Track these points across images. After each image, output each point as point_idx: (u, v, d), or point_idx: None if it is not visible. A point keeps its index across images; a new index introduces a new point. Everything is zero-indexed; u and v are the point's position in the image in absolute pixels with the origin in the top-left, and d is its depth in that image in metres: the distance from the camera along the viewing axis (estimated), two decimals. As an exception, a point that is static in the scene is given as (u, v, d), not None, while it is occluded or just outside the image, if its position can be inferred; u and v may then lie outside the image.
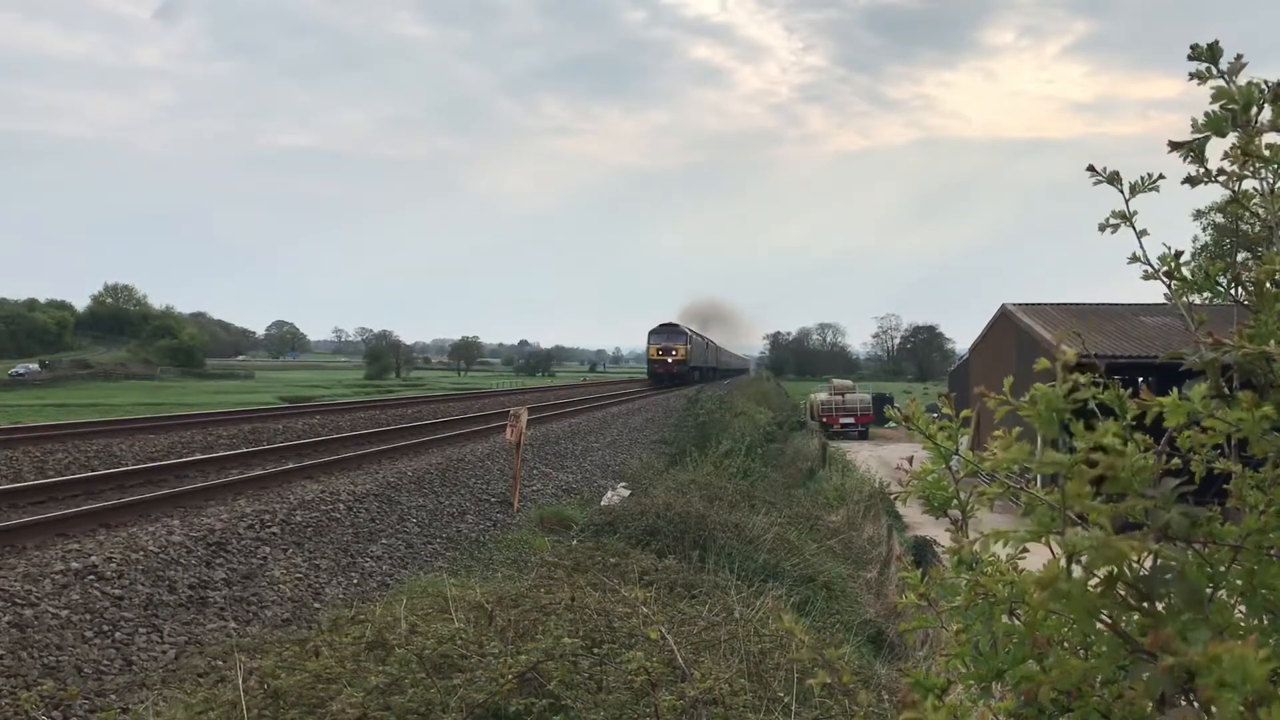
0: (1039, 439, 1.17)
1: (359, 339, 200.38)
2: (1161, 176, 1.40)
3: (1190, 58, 1.30)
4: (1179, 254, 1.42)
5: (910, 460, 1.43)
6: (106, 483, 11.75)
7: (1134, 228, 1.42)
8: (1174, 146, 1.34)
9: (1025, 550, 1.22)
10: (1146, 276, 1.43)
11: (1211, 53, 1.29)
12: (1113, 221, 1.43)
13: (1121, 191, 1.43)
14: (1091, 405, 1.28)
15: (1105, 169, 1.44)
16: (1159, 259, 1.43)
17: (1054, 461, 0.98)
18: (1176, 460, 1.20)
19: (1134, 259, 1.43)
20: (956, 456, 1.40)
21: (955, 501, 1.35)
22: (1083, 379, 1.10)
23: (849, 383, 61.90)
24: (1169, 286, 1.42)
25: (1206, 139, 1.30)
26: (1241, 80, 1.27)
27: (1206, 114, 1.29)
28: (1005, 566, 1.28)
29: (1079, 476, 0.97)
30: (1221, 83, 1.26)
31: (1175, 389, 1.17)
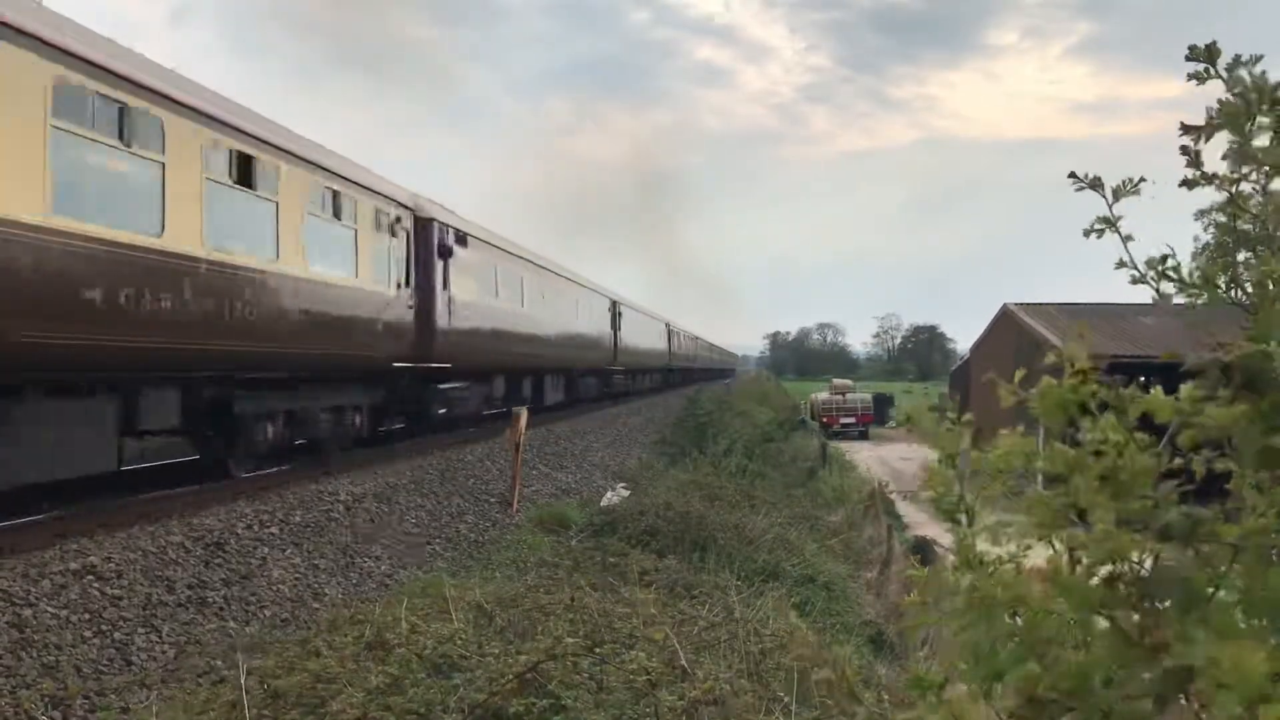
0: (1040, 436, 1.17)
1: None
2: (1142, 179, 1.41)
3: (1188, 58, 1.30)
4: (1165, 258, 1.43)
5: (924, 463, 1.44)
6: (105, 482, 11.72)
7: (1119, 232, 1.42)
8: (1185, 129, 1.34)
9: (1029, 548, 1.22)
10: (1134, 281, 1.43)
11: (1209, 53, 1.29)
12: (1097, 227, 1.43)
13: (1104, 197, 1.43)
14: (1093, 406, 1.28)
15: (1087, 174, 1.44)
16: (1145, 263, 1.43)
17: (1060, 457, 0.99)
18: (1178, 460, 1.20)
19: (1120, 264, 1.43)
20: (964, 455, 1.40)
21: (962, 503, 1.35)
22: (1090, 374, 1.11)
23: (849, 383, 61.85)
24: (1157, 291, 1.42)
25: (1220, 125, 1.30)
26: (1256, 73, 1.28)
27: (1220, 102, 1.29)
28: (1007, 567, 1.28)
29: (1085, 472, 0.97)
30: (1241, 73, 1.26)
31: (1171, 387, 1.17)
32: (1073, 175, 1.45)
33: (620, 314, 37.39)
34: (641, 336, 43.88)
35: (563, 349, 27.03)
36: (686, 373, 67.73)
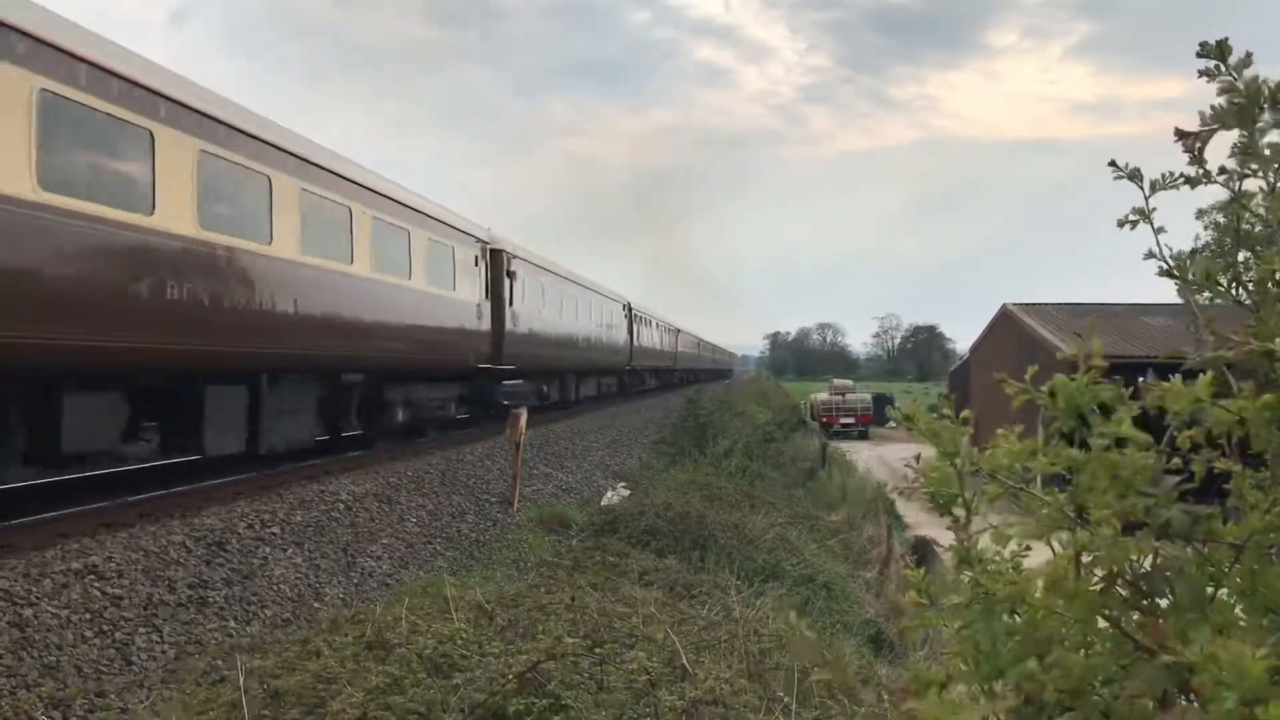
0: (1040, 438, 1.17)
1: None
2: (1183, 174, 1.41)
3: (1199, 55, 1.30)
4: (1195, 251, 1.43)
5: (918, 458, 1.44)
6: (106, 482, 11.73)
7: (1152, 225, 1.43)
8: (1180, 135, 1.35)
9: (1028, 548, 1.22)
10: (1161, 273, 1.44)
11: (1220, 50, 1.29)
12: (1131, 218, 1.43)
13: (1142, 188, 1.44)
14: (1093, 406, 1.28)
15: (1127, 165, 1.45)
16: (1173, 256, 1.44)
17: (1068, 457, 0.98)
18: (1177, 460, 1.20)
19: (1149, 255, 1.43)
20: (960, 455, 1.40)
21: (960, 500, 1.35)
22: (1097, 374, 1.11)
23: (849, 383, 61.90)
24: (1184, 284, 1.43)
25: (1213, 131, 1.31)
26: (1247, 77, 1.28)
27: (1213, 107, 1.29)
28: (1007, 565, 1.28)
29: (1095, 471, 0.97)
30: (1229, 79, 1.27)
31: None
32: (1113, 164, 1.46)
33: (514, 275, 21.28)
34: (568, 320, 27.06)
35: (333, 331, 13.19)
36: (664, 376, 50.37)
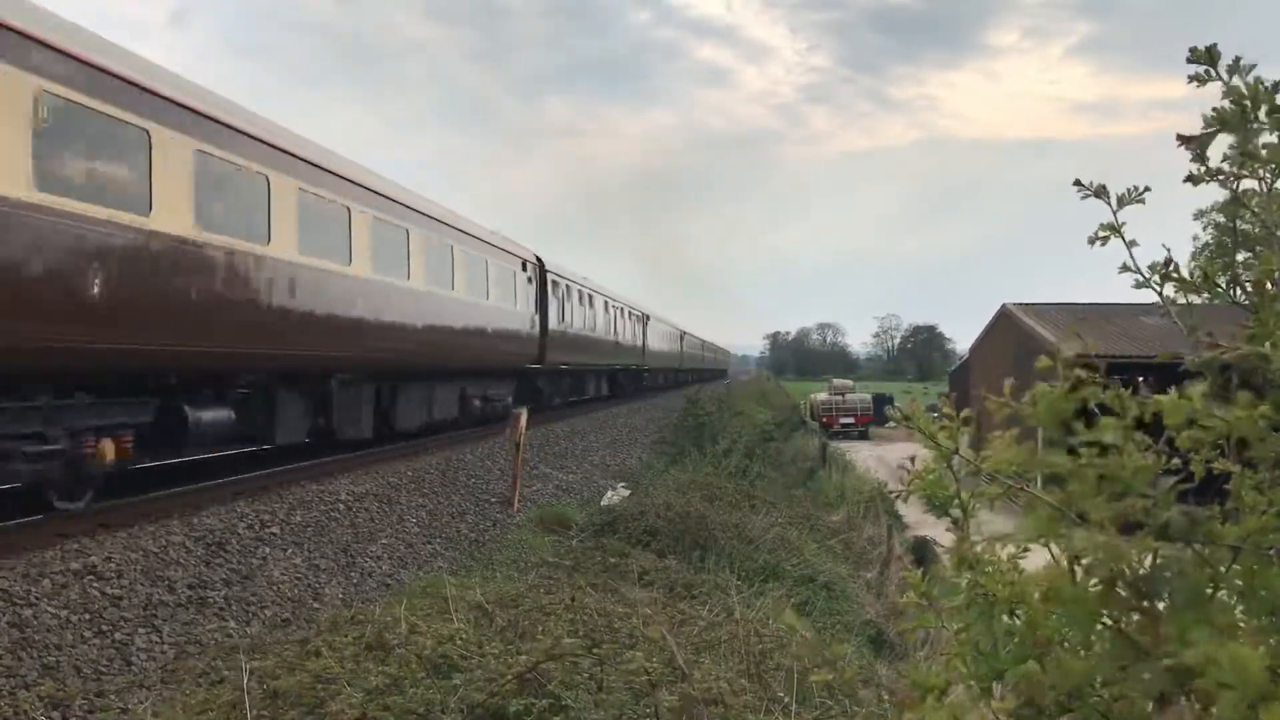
0: (1039, 439, 1.17)
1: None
2: (1147, 189, 1.41)
3: (1189, 60, 1.30)
4: (1169, 262, 1.43)
5: (912, 460, 1.44)
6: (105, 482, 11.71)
7: (1123, 239, 1.43)
8: (1182, 140, 1.35)
9: (1026, 550, 1.22)
10: (1138, 285, 1.44)
11: (1210, 55, 1.29)
12: (1101, 234, 1.44)
13: (1109, 204, 1.44)
14: (1093, 405, 1.28)
15: (1092, 182, 1.45)
16: (1149, 266, 1.44)
17: (1057, 463, 0.98)
18: (1176, 460, 1.20)
19: (1124, 269, 1.44)
20: (957, 456, 1.40)
21: (956, 501, 1.35)
22: (1085, 376, 1.11)
23: (849, 383, 61.88)
24: (1159, 294, 1.43)
25: (1215, 133, 1.31)
26: (1248, 78, 1.28)
27: (1215, 109, 1.29)
28: (1006, 566, 1.28)
29: (1083, 478, 0.97)
30: (1234, 81, 1.27)
31: (1175, 389, 1.17)
32: (1078, 183, 1.46)
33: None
34: (360, 267, 13.48)
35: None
36: (626, 380, 37.44)
